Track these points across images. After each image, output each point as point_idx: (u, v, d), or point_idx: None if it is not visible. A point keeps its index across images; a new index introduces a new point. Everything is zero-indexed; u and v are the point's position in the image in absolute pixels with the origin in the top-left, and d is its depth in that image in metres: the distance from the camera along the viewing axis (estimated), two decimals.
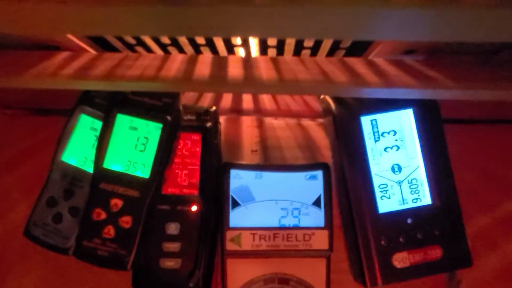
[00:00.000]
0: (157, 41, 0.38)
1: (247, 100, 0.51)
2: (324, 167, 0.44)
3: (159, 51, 0.40)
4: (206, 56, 0.37)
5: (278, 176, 0.44)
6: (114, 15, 0.19)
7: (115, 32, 0.21)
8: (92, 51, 0.38)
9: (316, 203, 0.43)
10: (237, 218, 0.43)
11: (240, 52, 0.41)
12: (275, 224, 0.43)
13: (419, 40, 0.30)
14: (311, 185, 0.44)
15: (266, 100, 0.51)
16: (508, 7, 0.17)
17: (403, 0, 0.17)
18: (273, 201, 0.43)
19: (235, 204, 0.43)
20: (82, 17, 0.19)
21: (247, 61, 0.36)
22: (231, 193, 0.44)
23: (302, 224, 0.43)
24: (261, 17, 0.18)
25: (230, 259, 0.44)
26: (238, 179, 0.44)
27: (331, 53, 0.40)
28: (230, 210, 0.43)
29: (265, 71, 0.35)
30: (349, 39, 0.34)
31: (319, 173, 0.44)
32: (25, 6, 0.18)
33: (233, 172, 0.44)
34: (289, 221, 0.43)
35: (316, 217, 0.43)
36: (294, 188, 0.44)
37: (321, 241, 0.43)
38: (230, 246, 0.43)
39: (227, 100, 0.51)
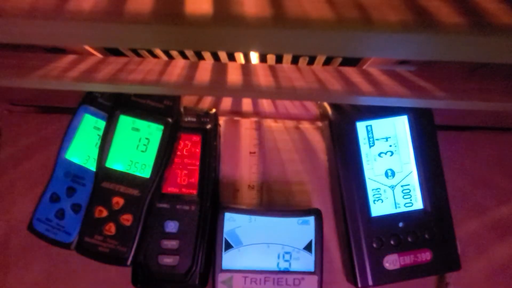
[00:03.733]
0: None
1: (246, 103, 0.52)
2: (316, 213, 0.45)
3: (162, 55, 0.41)
4: (207, 62, 0.38)
5: (271, 220, 0.44)
6: (125, 31, 0.20)
7: (126, 45, 0.22)
8: (98, 55, 0.39)
9: (307, 247, 0.44)
10: (229, 260, 0.44)
11: (241, 57, 0.42)
12: (267, 267, 0.44)
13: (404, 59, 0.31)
14: (303, 230, 0.44)
15: (265, 103, 0.52)
16: (479, 35, 0.18)
17: (386, 25, 0.19)
18: (265, 245, 0.44)
19: (228, 246, 0.44)
20: (97, 33, 0.20)
21: (246, 68, 0.37)
22: (225, 236, 0.44)
23: (293, 268, 0.44)
24: (254, 37, 0.20)
25: None
26: (232, 222, 0.44)
27: (328, 61, 0.41)
28: (223, 252, 0.44)
29: (263, 77, 0.36)
30: (338, 56, 0.36)
31: (311, 219, 0.45)
32: (48, 23, 0.20)
33: (227, 215, 0.45)
34: (280, 265, 0.44)
35: (306, 262, 0.44)
36: (286, 233, 0.44)
37: (310, 286, 0.44)
38: None
39: (227, 102, 0.52)
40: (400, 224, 0.45)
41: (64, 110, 0.51)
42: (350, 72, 0.37)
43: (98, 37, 0.21)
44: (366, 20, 0.19)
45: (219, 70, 0.37)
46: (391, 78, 0.36)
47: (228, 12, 0.19)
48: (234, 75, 0.36)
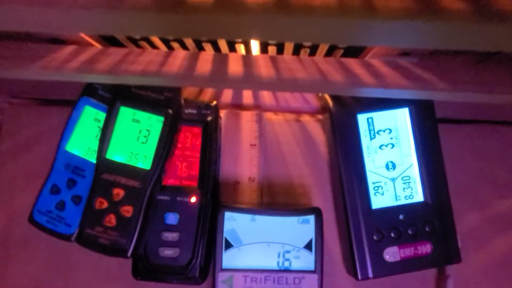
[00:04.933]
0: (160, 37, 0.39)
1: (247, 96, 0.52)
2: (316, 211, 0.44)
3: (162, 46, 0.41)
4: (208, 53, 0.38)
5: (271, 219, 0.44)
6: (124, 18, 0.20)
7: (126, 33, 0.22)
8: (98, 45, 0.39)
9: (307, 246, 0.44)
10: (229, 259, 0.44)
11: (242, 48, 0.42)
12: (267, 266, 0.44)
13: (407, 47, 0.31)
14: (303, 228, 0.44)
15: (266, 96, 0.52)
16: (482, 22, 0.18)
17: (389, 12, 0.18)
18: (265, 244, 0.44)
19: (228, 245, 0.44)
20: (95, 20, 0.20)
21: (247, 59, 0.37)
22: (225, 235, 0.44)
23: (293, 267, 0.44)
24: (257, 24, 0.19)
25: None
26: (232, 221, 0.44)
27: (329, 51, 0.41)
28: (223, 252, 0.44)
29: (264, 69, 0.36)
30: (340, 45, 0.35)
31: (311, 218, 0.44)
32: (47, 10, 0.20)
33: (227, 214, 0.44)
34: (280, 264, 0.44)
35: (306, 261, 0.44)
36: (286, 231, 0.44)
37: (310, 284, 0.43)
38: (222, 287, 0.43)
39: (227, 95, 0.52)
40: (401, 217, 0.45)
41: (64, 102, 0.51)
42: (352, 63, 0.37)
43: (97, 24, 0.21)
44: (369, 7, 0.19)
45: (220, 61, 0.36)
46: (393, 70, 0.36)
47: None
48: (235, 66, 0.36)
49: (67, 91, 0.50)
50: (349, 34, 0.20)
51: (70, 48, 0.38)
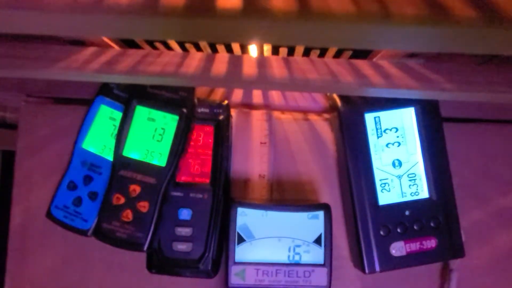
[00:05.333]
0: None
1: (257, 95, 0.54)
2: (325, 207, 0.46)
3: (177, 48, 0.43)
4: (223, 54, 0.40)
5: (282, 215, 0.46)
6: (145, 24, 0.21)
7: (160, 37, 0.24)
8: (117, 47, 0.40)
9: (317, 241, 0.45)
10: (242, 253, 0.45)
11: (253, 49, 0.43)
12: (278, 260, 0.45)
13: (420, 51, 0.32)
14: (312, 224, 0.46)
15: (275, 95, 0.54)
16: (489, 27, 0.19)
17: (402, 18, 0.20)
18: (276, 238, 0.45)
19: (241, 240, 0.45)
20: (133, 26, 0.22)
21: (261, 60, 0.38)
22: (237, 230, 0.45)
23: (303, 261, 0.45)
24: (276, 29, 0.21)
25: None
26: (244, 217, 0.46)
27: (338, 53, 0.42)
28: (236, 246, 0.45)
29: (277, 70, 0.37)
30: (354, 48, 0.37)
31: (321, 213, 0.46)
32: (87, 17, 0.21)
33: (240, 210, 0.46)
34: (291, 258, 0.45)
35: (316, 255, 0.45)
36: (296, 227, 0.46)
37: (320, 278, 0.45)
38: (234, 280, 0.45)
39: (238, 94, 0.54)
40: (407, 213, 0.46)
41: (78, 101, 0.53)
42: (362, 64, 0.38)
43: (134, 29, 0.22)
44: (384, 14, 0.20)
45: (235, 62, 0.38)
46: (401, 71, 0.37)
47: (256, 6, 0.21)
48: (249, 67, 0.37)
49: (81, 90, 0.52)
50: (366, 38, 0.21)
51: (90, 50, 0.40)
